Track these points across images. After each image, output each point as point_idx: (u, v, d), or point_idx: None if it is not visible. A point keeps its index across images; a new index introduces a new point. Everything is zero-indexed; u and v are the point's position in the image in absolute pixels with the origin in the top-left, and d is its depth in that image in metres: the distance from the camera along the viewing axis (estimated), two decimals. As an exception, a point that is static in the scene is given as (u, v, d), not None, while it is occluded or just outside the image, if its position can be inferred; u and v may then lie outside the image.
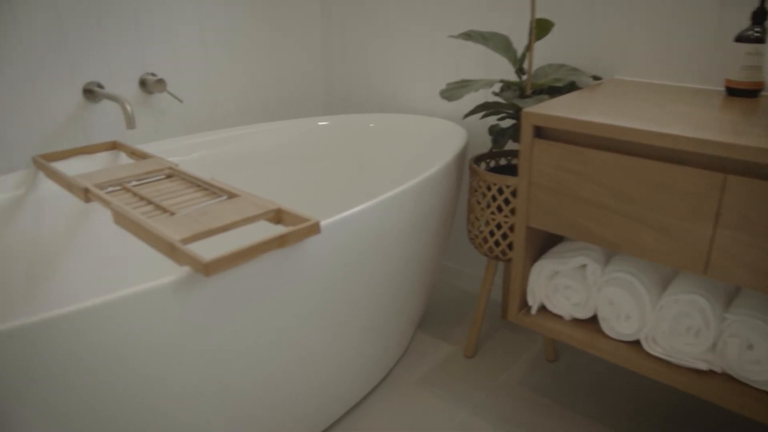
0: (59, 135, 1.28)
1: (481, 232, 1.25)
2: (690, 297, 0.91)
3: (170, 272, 1.33)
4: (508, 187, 1.17)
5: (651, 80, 1.20)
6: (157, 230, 0.79)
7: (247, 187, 1.42)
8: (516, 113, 1.22)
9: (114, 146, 1.29)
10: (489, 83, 1.12)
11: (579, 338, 1.04)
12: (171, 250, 0.75)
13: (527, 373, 1.32)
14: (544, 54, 1.32)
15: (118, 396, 0.72)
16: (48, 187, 1.17)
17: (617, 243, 0.93)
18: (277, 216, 0.86)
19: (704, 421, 1.18)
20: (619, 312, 1.00)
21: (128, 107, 1.19)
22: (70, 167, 1.22)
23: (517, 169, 1.30)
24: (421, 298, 1.28)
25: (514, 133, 1.21)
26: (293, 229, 0.77)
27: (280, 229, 1.43)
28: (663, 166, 0.84)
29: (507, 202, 1.19)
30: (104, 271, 1.25)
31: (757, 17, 1.00)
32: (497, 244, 1.24)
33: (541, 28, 1.16)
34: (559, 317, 1.09)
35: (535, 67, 1.30)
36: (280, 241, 0.76)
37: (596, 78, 1.21)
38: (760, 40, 0.99)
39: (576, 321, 1.08)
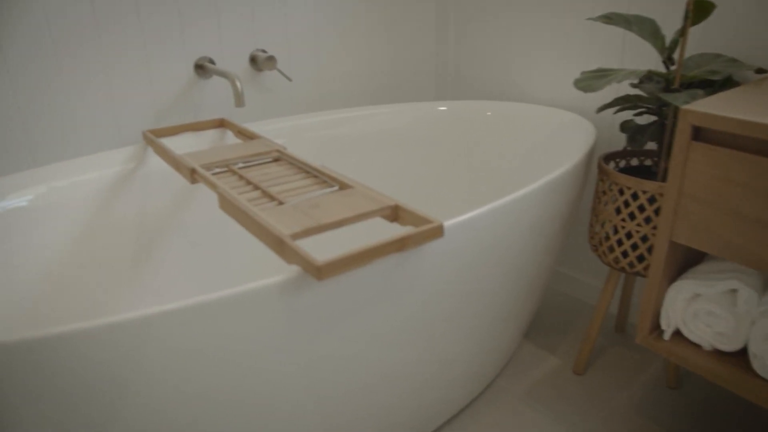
0: (169, 110, 1.26)
1: (607, 239, 1.12)
2: None
3: (271, 261, 1.30)
4: (645, 192, 1.03)
5: (831, 77, 1.02)
6: (265, 222, 0.73)
7: (352, 173, 1.36)
8: (658, 109, 1.08)
9: (221, 124, 1.26)
10: (635, 74, 0.98)
11: (720, 374, 0.90)
12: (280, 246, 0.69)
13: (644, 398, 1.19)
14: (695, 42, 1.16)
15: (210, 402, 0.68)
16: (156, 162, 1.16)
17: (789, 271, 0.78)
18: (394, 213, 0.78)
19: None
20: (779, 350, 0.85)
21: (238, 84, 1.15)
22: (178, 143, 1.19)
23: (652, 172, 1.15)
24: (532, 305, 1.17)
25: (657, 131, 1.06)
26: (415, 232, 0.69)
27: (395, 228, 1.36)
28: None
29: (642, 209, 1.06)
30: (205, 254, 1.23)
31: None
32: (625, 254, 1.10)
33: (700, 10, 1.00)
34: (697, 346, 0.95)
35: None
36: (400, 245, 0.68)
37: (761, 71, 1.04)
38: None
39: (718, 353, 0.94)
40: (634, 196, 1.05)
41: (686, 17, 0.98)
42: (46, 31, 1.09)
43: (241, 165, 1.00)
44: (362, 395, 0.81)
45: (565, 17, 1.35)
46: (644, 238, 1.08)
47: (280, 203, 0.82)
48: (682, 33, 1.00)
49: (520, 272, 1.00)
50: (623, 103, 1.07)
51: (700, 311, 0.93)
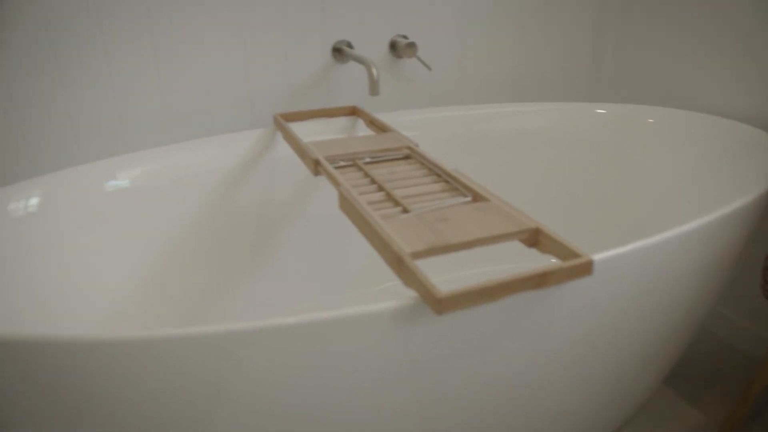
0: (303, 93, 1.22)
1: (790, 289, 0.92)
2: None
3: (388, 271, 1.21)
4: None
5: None
6: (385, 234, 0.65)
7: (486, 176, 1.24)
8: None
9: (353, 112, 1.20)
10: None
11: None
12: (398, 265, 0.61)
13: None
14: None
15: (306, 421, 0.61)
16: (284, 148, 1.12)
17: None
18: (534, 237, 0.67)
19: None
20: None
21: (375, 71, 1.08)
22: (307, 129, 1.15)
23: None
24: (680, 349, 1.00)
25: None
26: (559, 268, 0.57)
27: (525, 250, 1.22)
28: None
29: None
30: (325, 249, 1.18)
31: None
32: (812, 310, 0.90)
33: None
34: None
35: None
36: (539, 281, 0.57)
37: None
38: None
39: None
40: (836, 242, 0.85)
41: None
42: (191, 9, 1.08)
43: (368, 160, 0.93)
44: (471, 436, 0.72)
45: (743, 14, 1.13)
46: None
47: (405, 211, 0.74)
48: None
49: (673, 315, 0.84)
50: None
51: None
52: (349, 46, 1.23)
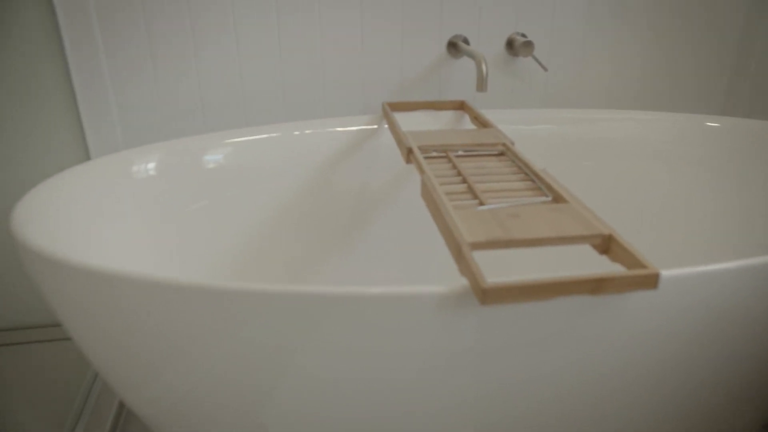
0: (414, 85, 1.25)
1: None
2: None
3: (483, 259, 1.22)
4: None
5: None
6: (451, 222, 0.65)
7: (579, 182, 1.19)
8: None
9: (461, 106, 1.20)
10: None
11: None
12: (457, 254, 0.61)
13: None
14: None
15: (351, 392, 0.64)
16: (388, 135, 1.16)
17: None
18: (605, 244, 0.64)
19: None
20: None
21: (484, 68, 1.08)
22: (413, 120, 1.18)
23: None
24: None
25: None
26: (619, 276, 0.55)
27: (602, 262, 1.16)
28: None
29: None
30: (413, 238, 1.20)
31: None
32: None
33: None
34: None
35: None
36: (596, 286, 0.55)
37: None
38: None
39: None
40: None
41: None
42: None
43: (461, 153, 0.93)
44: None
45: None
46: None
47: (481, 204, 0.74)
48: None
49: (753, 347, 0.76)
50: None
51: None
52: (465, 41, 1.23)
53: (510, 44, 1.24)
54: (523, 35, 1.24)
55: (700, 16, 1.29)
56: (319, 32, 1.18)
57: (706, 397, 0.75)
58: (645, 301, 0.59)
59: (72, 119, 1.20)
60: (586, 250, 1.16)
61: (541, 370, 0.62)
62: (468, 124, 1.19)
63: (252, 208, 1.10)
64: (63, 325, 0.77)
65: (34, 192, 0.84)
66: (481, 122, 1.10)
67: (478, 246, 0.62)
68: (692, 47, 1.32)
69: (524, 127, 1.18)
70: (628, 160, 1.19)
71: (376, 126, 1.16)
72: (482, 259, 1.22)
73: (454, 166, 0.87)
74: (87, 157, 1.23)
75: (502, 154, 0.93)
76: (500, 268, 1.23)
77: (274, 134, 1.10)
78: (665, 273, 0.58)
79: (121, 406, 1.12)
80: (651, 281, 0.56)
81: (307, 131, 1.13)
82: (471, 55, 1.13)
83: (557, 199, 0.74)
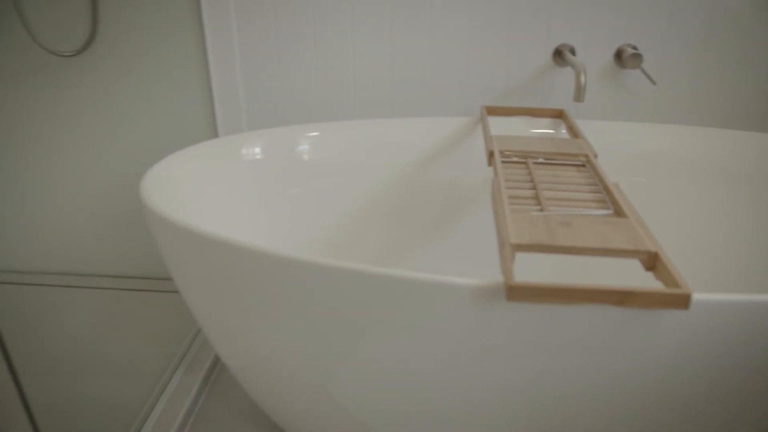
0: (516, 91, 1.27)
1: None
2: None
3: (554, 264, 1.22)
4: None
5: None
6: (503, 223, 0.69)
7: (652, 197, 1.15)
8: None
9: (559, 115, 1.21)
10: None
11: None
12: (502, 252, 0.65)
13: None
14: None
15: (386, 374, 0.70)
16: (482, 138, 1.20)
17: None
18: (650, 261, 0.64)
19: None
20: None
21: (582, 78, 1.08)
22: (509, 124, 1.21)
23: None
24: None
25: None
26: (646, 291, 0.56)
27: (647, 279, 1.12)
28: None
29: None
30: (488, 239, 1.23)
31: None
32: None
33: None
34: None
35: None
36: (620, 299, 0.57)
37: None
38: None
39: None
40: None
41: None
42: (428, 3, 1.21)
43: (541, 160, 0.96)
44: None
45: None
46: None
47: (541, 210, 0.77)
48: None
49: None
50: None
51: None
52: (572, 51, 1.24)
53: (618, 55, 1.22)
54: (634, 47, 1.21)
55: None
56: (428, 35, 1.24)
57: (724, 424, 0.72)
58: (678, 322, 0.60)
59: (206, 102, 1.37)
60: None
61: (561, 374, 0.65)
62: (564, 133, 1.19)
63: (345, 197, 1.19)
64: (173, 280, 0.91)
65: (161, 163, 0.99)
66: (574, 132, 1.11)
67: (520, 248, 0.66)
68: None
69: (615, 139, 1.17)
70: (715, 182, 1.14)
71: (472, 128, 1.21)
72: (543, 268, 1.22)
73: (530, 173, 0.90)
74: (215, 134, 1.40)
75: (581, 165, 0.94)
76: (549, 275, 1.23)
77: (372, 129, 1.19)
78: (698, 296, 0.58)
79: (217, 358, 1.28)
80: (681, 301, 0.56)
81: (403, 128, 1.20)
82: (572, 65, 1.14)
83: (618, 213, 0.75)
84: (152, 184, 0.92)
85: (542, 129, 1.21)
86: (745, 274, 1.13)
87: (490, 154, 0.97)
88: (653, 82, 1.21)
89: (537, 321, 0.61)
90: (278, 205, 1.13)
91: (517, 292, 0.57)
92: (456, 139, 1.21)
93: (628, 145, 1.17)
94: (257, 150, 1.10)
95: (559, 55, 1.24)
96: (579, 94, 1.10)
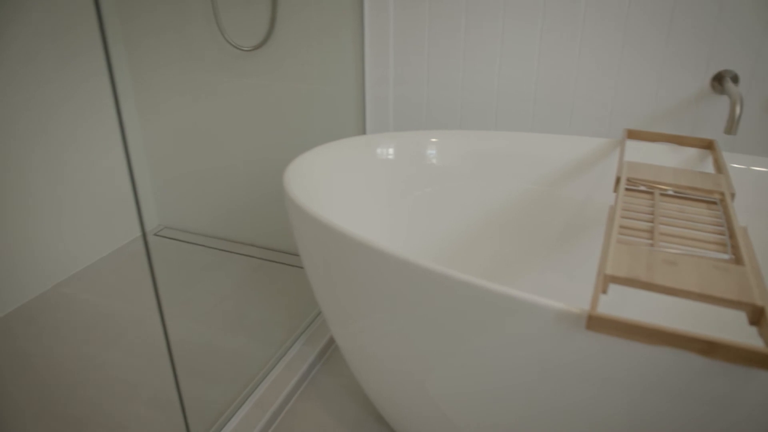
0: (665, 116, 1.22)
1: None
2: None
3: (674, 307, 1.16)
4: None
5: None
6: (607, 251, 0.70)
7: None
8: None
9: (708, 146, 1.14)
10: None
11: None
12: (596, 279, 0.66)
13: None
14: None
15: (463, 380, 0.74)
16: (615, 162, 1.17)
17: None
18: (755, 315, 0.61)
19: None
20: None
21: (738, 109, 1.02)
22: (651, 151, 1.16)
23: None
24: None
25: None
26: (733, 344, 0.54)
27: (750, 333, 0.99)
28: None
29: None
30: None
31: None
32: None
33: None
34: None
35: None
36: (705, 348, 0.55)
37: None
38: None
39: None
40: None
41: None
42: (578, 18, 1.20)
43: (670, 192, 0.92)
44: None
45: None
46: None
47: (651, 245, 0.75)
48: None
49: None
50: None
51: None
52: (735, 78, 1.15)
53: (788, 88, 1.12)
54: (808, 80, 1.10)
55: None
56: (577, 52, 1.23)
57: None
58: (761, 384, 0.57)
59: (359, 101, 1.48)
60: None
61: (632, 412, 0.64)
62: (708, 166, 1.12)
63: (469, 203, 1.23)
64: (301, 259, 1.02)
65: (305, 154, 1.10)
66: (719, 167, 1.04)
67: (615, 279, 0.66)
68: None
69: (763, 178, 1.08)
70: None
71: (610, 150, 1.18)
72: (660, 302, 1.15)
73: (652, 204, 0.88)
74: (363, 131, 1.51)
75: (713, 203, 0.89)
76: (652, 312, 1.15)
77: (507, 140, 1.21)
78: (794, 358, 0.54)
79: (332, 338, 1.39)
80: (765, 360, 0.54)
81: (540, 143, 1.21)
82: (729, 93, 1.07)
83: (737, 260, 0.71)
84: (294, 172, 1.04)
85: (687, 158, 1.15)
86: None
87: (617, 180, 0.95)
88: (827, 121, 1.09)
89: (616, 354, 0.62)
90: (402, 205, 1.21)
91: (597, 323, 0.59)
92: (592, 159, 1.19)
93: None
94: (390, 151, 1.18)
95: (718, 81, 1.16)
96: (731, 126, 1.03)
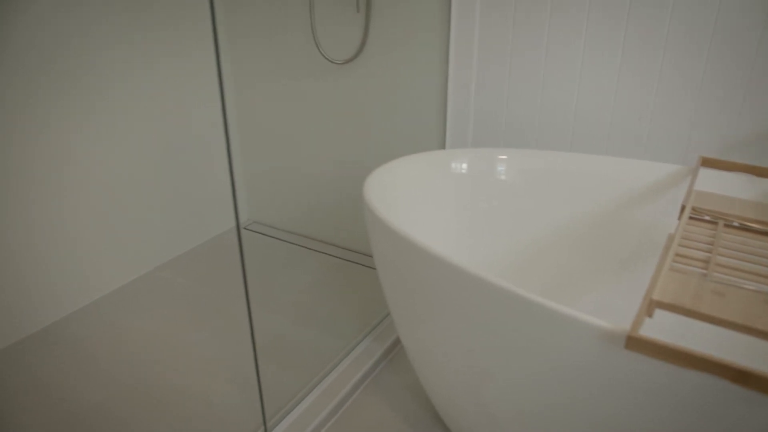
0: (746, 144, 1.21)
1: None
2: None
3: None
4: None
5: None
6: (658, 276, 0.73)
7: None
8: None
9: (788, 179, 1.13)
10: None
11: None
12: (642, 303, 0.70)
13: None
14: None
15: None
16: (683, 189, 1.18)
17: None
18: (797, 351, 0.63)
19: None
20: None
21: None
22: (728, 180, 1.16)
23: None
24: None
25: None
26: (761, 374, 0.57)
27: None
28: None
29: None
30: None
31: None
32: None
33: None
34: None
35: None
36: (738, 376, 0.59)
37: None
38: None
39: None
40: None
41: None
42: (657, 45, 1.22)
43: (735, 224, 0.93)
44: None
45: None
46: None
47: (704, 275, 0.78)
48: None
49: None
50: None
51: None
52: (821, 112, 1.13)
53: None
54: None
55: None
56: (657, 76, 1.25)
57: None
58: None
59: (440, 116, 1.55)
60: None
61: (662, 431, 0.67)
62: (787, 199, 1.11)
63: (537, 220, 1.27)
64: (375, 263, 1.10)
65: (386, 165, 1.19)
66: (795, 201, 1.03)
67: (660, 305, 0.70)
68: None
69: None
70: None
71: (683, 176, 1.19)
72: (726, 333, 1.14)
73: (714, 235, 0.90)
74: (443, 146, 1.58)
75: (780, 237, 0.90)
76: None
77: (579, 161, 1.25)
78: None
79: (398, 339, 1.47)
80: (803, 394, 0.56)
81: (613, 166, 1.24)
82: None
83: (791, 295, 0.73)
84: (374, 182, 1.13)
85: (765, 191, 1.14)
86: None
87: (682, 209, 0.97)
88: None
89: (652, 374, 0.66)
90: (472, 217, 1.27)
91: (635, 343, 0.63)
92: (664, 185, 1.20)
93: None
94: (464, 165, 1.24)
95: (803, 115, 1.14)
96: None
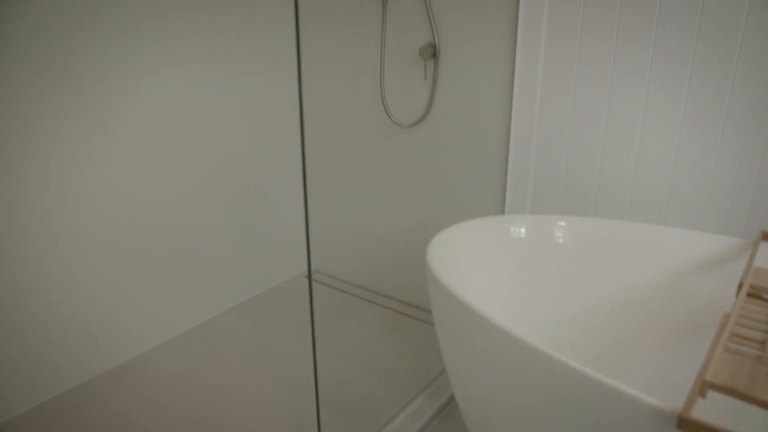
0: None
1: None
2: None
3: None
4: None
5: None
6: (712, 356, 0.76)
7: None
8: None
9: None
10: None
11: None
12: (694, 383, 0.73)
13: None
14: None
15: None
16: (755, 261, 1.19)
17: None
18: None
19: None
20: None
21: None
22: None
23: None
24: None
25: None
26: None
27: None
28: None
29: None
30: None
31: None
32: None
33: None
34: None
35: None
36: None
37: None
38: None
39: None
40: None
41: None
42: (716, 117, 1.25)
43: (795, 305, 0.95)
44: None
45: None
46: None
47: (759, 356, 0.80)
48: None
49: None
50: None
51: None
52: None
53: None
54: None
55: None
56: (718, 143, 1.27)
57: None
58: None
59: (500, 182, 1.62)
60: None
61: None
62: None
63: (593, 286, 1.30)
64: (434, 321, 1.16)
65: (448, 229, 1.26)
66: None
67: (713, 386, 0.73)
68: None
69: None
70: None
71: (742, 250, 1.20)
72: None
73: (772, 315, 0.91)
74: (503, 211, 1.64)
75: (840, 321, 0.90)
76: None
77: (635, 232, 1.28)
78: None
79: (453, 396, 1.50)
80: None
81: (671, 236, 1.26)
82: None
83: None
84: (437, 245, 1.20)
85: (827, 268, 1.14)
86: None
87: (739, 285, 0.99)
88: None
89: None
90: (528, 282, 1.31)
91: (687, 425, 0.66)
92: (722, 258, 1.22)
93: None
94: (522, 230, 1.30)
95: None
96: None
